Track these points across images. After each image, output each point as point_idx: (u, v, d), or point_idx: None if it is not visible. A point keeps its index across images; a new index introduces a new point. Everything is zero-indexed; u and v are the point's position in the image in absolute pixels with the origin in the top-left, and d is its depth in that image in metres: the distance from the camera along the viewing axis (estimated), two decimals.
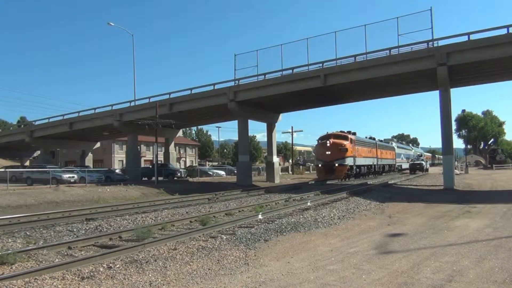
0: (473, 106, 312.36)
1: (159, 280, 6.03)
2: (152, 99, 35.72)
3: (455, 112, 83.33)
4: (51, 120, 44.31)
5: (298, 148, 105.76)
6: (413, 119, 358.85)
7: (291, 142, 65.84)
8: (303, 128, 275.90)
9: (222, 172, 48.06)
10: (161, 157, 47.36)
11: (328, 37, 40.84)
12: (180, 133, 60.78)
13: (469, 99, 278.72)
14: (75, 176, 30.50)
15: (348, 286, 5.65)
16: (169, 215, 14.13)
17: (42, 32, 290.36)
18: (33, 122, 48.28)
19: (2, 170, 28.86)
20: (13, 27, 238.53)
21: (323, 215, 12.82)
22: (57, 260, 7.36)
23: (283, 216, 12.61)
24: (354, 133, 37.22)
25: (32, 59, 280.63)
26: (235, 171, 39.98)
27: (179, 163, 70.25)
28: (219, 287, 5.73)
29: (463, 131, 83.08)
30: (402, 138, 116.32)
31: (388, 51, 25.52)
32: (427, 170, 53.16)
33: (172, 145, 47.30)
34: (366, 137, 42.29)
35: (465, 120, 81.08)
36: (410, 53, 24.83)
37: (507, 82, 31.05)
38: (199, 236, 9.28)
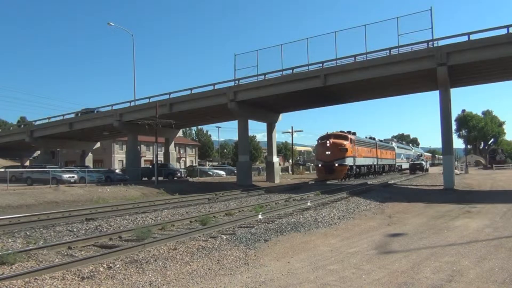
0: (473, 106, 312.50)
1: (159, 280, 6.03)
2: (152, 99, 35.71)
3: (455, 112, 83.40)
4: (51, 120, 44.33)
5: (298, 148, 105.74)
6: (413, 119, 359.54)
7: (291, 142, 65.89)
8: (303, 128, 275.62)
9: (222, 172, 48.05)
10: (161, 157, 47.34)
11: (328, 37, 41.27)
12: (180, 133, 60.75)
13: (469, 99, 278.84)
14: (75, 176, 30.50)
15: (348, 286, 5.65)
16: (169, 215, 14.13)
17: (42, 32, 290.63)
18: (33, 122, 48.29)
19: (2, 170, 28.86)
20: (12, 27, 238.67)
21: (323, 215, 12.82)
22: (57, 260, 7.36)
23: (283, 216, 12.61)
24: (354, 133, 37.23)
25: (32, 59, 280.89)
26: (235, 171, 39.98)
27: (179, 163, 70.23)
28: (219, 287, 5.74)
29: (463, 131, 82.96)
30: (402, 138, 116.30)
31: (388, 51, 25.50)
32: (427, 170, 53.14)
33: (172, 145, 47.29)
34: (366, 137, 42.29)
35: (465, 120, 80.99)
36: (410, 53, 24.82)
37: (507, 82, 31.06)
38: (199, 236, 9.28)
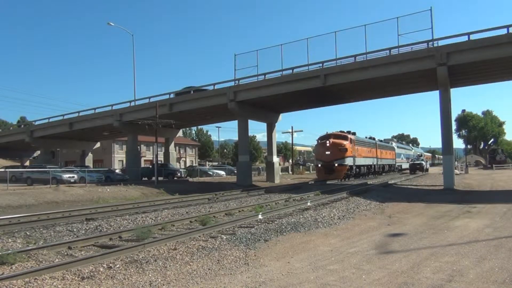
0: (473, 106, 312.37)
1: (159, 280, 6.03)
2: (152, 99, 35.69)
3: (455, 112, 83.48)
4: (51, 120, 44.31)
5: (298, 148, 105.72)
6: (413, 119, 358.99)
7: (291, 142, 65.90)
8: (303, 128, 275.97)
9: (222, 172, 48.05)
10: (161, 157, 47.34)
11: (328, 37, 41.19)
12: (180, 133, 60.77)
13: (469, 99, 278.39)
14: (75, 176, 30.50)
15: (348, 286, 5.65)
16: (169, 215, 14.13)
17: (42, 32, 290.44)
18: (33, 122, 48.27)
19: (2, 170, 28.86)
20: (12, 27, 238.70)
21: (323, 215, 12.82)
22: (57, 260, 7.36)
23: (283, 216, 12.61)
24: (354, 133, 37.23)
25: (32, 59, 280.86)
26: (235, 171, 39.97)
27: (179, 163, 70.23)
28: (219, 287, 5.73)
29: (463, 131, 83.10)
30: (402, 138, 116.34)
31: (388, 51, 25.50)
32: (427, 170, 53.15)
33: (172, 145, 47.31)
34: (366, 137, 42.30)
35: (465, 120, 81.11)
36: (410, 53, 24.82)
37: (507, 82, 31.11)
38: (199, 236, 9.28)
